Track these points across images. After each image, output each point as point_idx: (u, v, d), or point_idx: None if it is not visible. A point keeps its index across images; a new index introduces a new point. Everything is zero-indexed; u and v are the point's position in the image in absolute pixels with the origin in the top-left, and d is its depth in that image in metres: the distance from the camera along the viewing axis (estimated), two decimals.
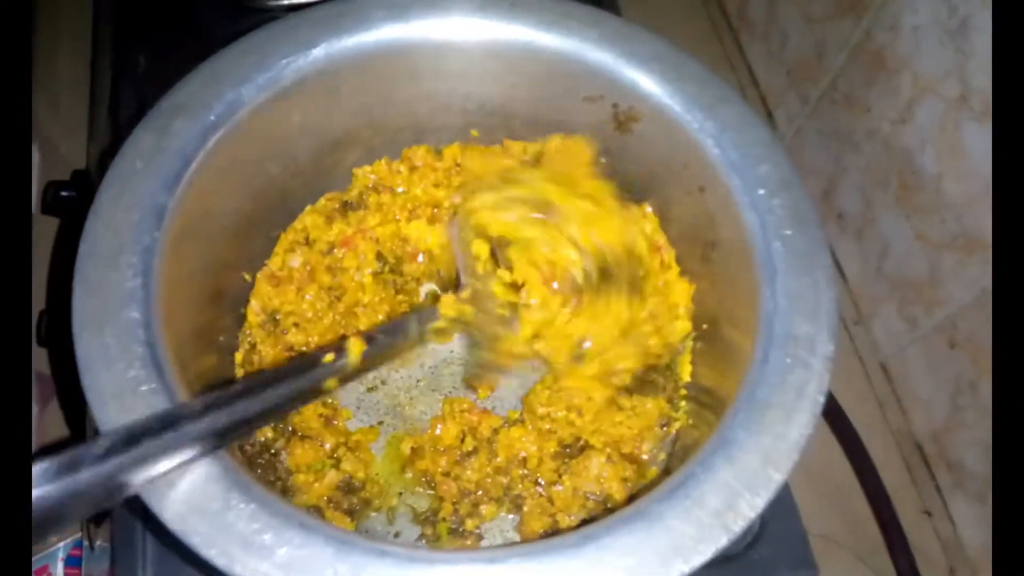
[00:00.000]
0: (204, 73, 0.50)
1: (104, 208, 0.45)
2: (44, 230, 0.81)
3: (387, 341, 0.51)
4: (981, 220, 0.64)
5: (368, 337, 0.49)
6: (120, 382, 0.41)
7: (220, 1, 0.71)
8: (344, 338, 0.48)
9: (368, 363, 0.48)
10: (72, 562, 0.72)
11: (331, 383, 0.46)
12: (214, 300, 0.54)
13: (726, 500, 0.40)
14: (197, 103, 0.49)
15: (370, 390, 0.58)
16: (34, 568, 0.71)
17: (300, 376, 0.46)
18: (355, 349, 0.47)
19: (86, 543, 0.61)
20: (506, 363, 0.54)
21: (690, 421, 0.55)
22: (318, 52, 0.52)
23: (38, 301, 0.77)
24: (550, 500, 0.53)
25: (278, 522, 0.38)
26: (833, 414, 0.73)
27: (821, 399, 0.43)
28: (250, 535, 0.38)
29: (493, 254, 0.54)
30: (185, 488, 0.39)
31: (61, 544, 0.72)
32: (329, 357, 0.46)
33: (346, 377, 0.48)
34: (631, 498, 0.52)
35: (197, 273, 0.51)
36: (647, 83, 0.52)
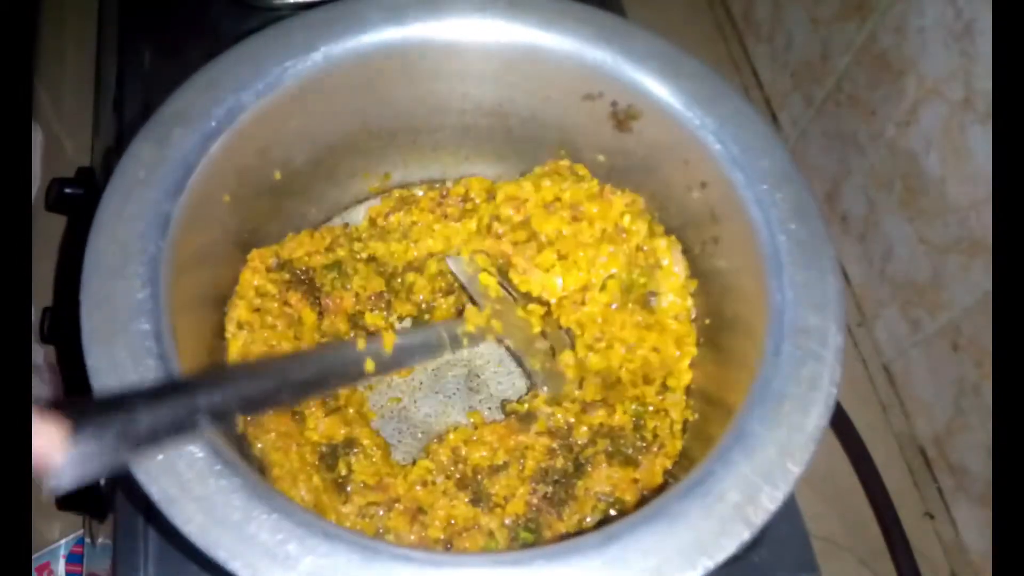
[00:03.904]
0: (202, 79, 0.50)
1: (107, 221, 0.45)
2: (49, 228, 0.81)
3: (414, 340, 0.55)
4: (984, 223, 0.63)
5: (399, 332, 0.52)
6: None
7: None
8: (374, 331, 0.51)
9: (397, 358, 0.52)
10: (74, 559, 0.72)
11: (370, 365, 0.50)
12: (219, 307, 0.54)
13: (746, 494, 0.40)
14: (197, 110, 0.49)
15: (370, 388, 0.58)
16: (35, 565, 0.71)
17: (339, 352, 0.51)
18: (387, 338, 0.52)
19: (88, 540, 0.62)
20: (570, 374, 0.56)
21: (697, 416, 0.55)
22: (317, 56, 0.51)
23: (44, 299, 0.77)
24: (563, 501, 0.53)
25: (302, 531, 0.38)
26: (835, 416, 0.73)
27: (835, 390, 0.43)
28: (274, 546, 0.37)
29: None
30: (203, 499, 0.38)
31: (63, 541, 0.73)
32: (361, 343, 0.51)
33: (381, 364, 0.51)
34: (642, 500, 0.52)
35: (204, 282, 0.51)
36: (646, 80, 0.52)
